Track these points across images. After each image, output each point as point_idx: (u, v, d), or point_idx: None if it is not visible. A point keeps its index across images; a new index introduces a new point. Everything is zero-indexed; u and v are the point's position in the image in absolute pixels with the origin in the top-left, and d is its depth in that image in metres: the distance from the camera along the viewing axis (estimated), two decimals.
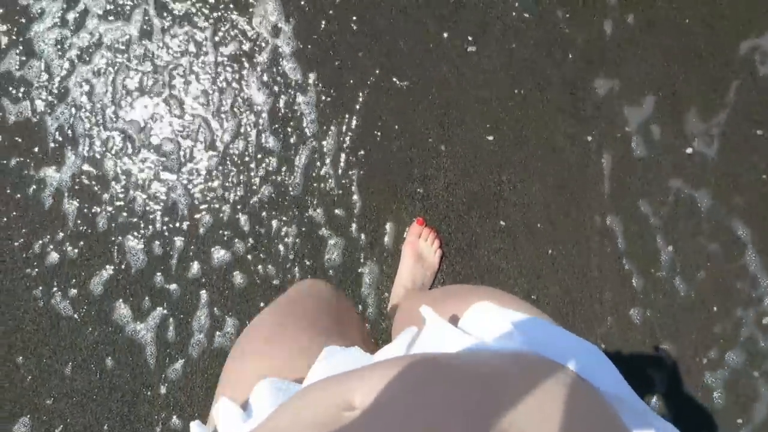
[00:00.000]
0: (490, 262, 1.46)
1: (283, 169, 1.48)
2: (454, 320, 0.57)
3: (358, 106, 1.48)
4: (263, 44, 1.50)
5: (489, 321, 0.53)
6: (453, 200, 1.47)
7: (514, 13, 1.49)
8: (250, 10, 1.49)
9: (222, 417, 0.54)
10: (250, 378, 0.59)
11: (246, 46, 1.49)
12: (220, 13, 1.50)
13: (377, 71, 1.48)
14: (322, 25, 1.49)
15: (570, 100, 1.47)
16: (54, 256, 1.46)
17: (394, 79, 1.48)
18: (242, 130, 1.49)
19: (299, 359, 0.63)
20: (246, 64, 1.49)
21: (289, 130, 1.49)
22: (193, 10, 1.50)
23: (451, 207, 1.47)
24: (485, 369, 0.41)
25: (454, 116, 1.48)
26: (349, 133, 1.48)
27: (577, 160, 1.47)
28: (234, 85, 1.49)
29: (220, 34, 1.50)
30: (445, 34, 1.49)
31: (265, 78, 1.49)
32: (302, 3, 1.49)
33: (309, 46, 1.49)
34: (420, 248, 1.43)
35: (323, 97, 1.48)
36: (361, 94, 1.48)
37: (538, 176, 1.47)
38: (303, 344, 0.67)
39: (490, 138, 1.48)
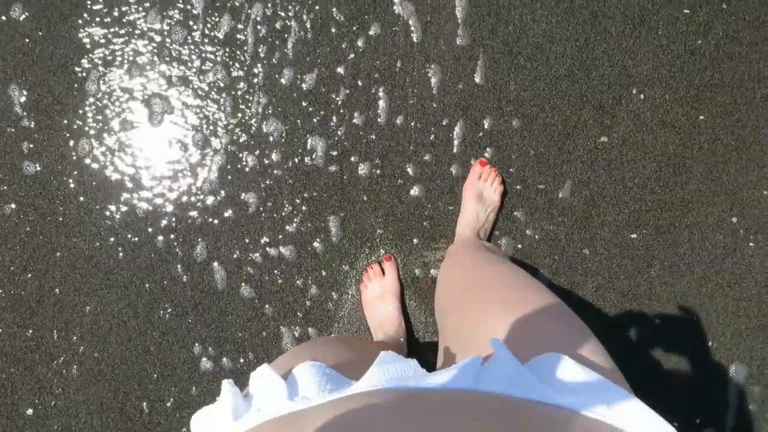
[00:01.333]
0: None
1: None
2: (516, 346, 0.54)
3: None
4: None
5: (563, 374, 0.50)
6: (603, 303, 1.47)
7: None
8: None
9: (262, 386, 0.52)
10: (294, 357, 0.57)
11: None
12: None
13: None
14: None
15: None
16: None
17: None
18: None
19: (349, 354, 0.63)
20: None
21: None
22: None
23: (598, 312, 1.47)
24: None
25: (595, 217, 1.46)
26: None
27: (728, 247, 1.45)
28: None
29: None
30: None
31: None
32: None
33: None
34: (480, 188, 1.43)
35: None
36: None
37: (687, 268, 1.45)
38: (352, 347, 0.67)
39: (634, 236, 1.46)
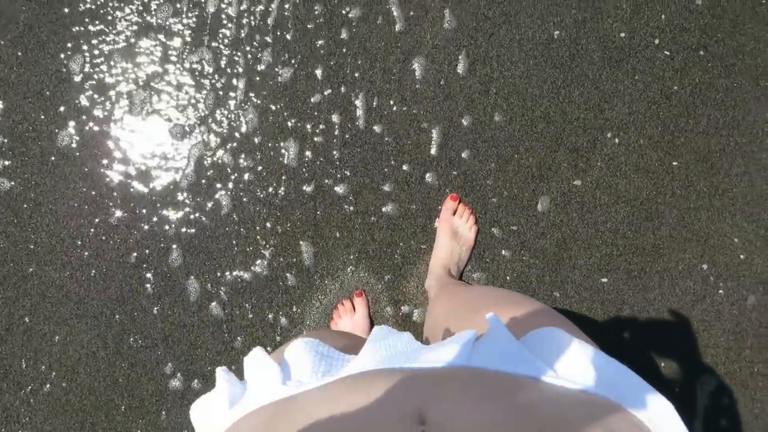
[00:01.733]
0: None
1: None
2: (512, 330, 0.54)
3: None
4: None
5: (558, 349, 0.50)
6: None
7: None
8: None
9: (255, 372, 0.52)
10: (288, 344, 0.57)
11: None
12: None
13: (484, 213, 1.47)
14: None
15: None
16: None
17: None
18: None
19: (342, 340, 0.63)
20: None
21: None
22: None
23: None
24: (553, 410, 0.40)
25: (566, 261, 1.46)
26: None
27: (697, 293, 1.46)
28: None
29: None
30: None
31: None
32: None
33: None
34: (455, 225, 1.42)
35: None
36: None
37: (657, 313, 1.46)
38: (345, 336, 0.68)
39: (605, 280, 1.46)
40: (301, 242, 1.47)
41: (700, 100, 1.45)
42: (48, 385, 1.48)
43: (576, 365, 0.48)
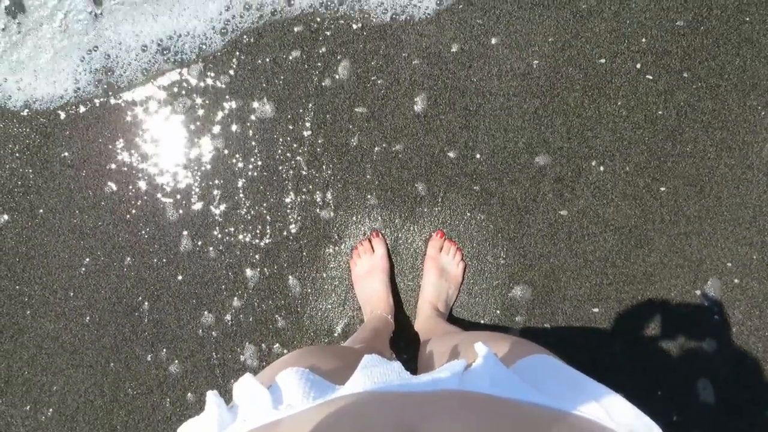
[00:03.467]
0: None
1: None
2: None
3: None
4: None
5: (547, 374, 0.52)
6: None
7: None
8: None
9: (245, 396, 0.52)
10: (278, 368, 0.57)
11: None
12: None
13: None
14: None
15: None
16: None
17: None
18: None
19: (333, 362, 0.63)
20: None
21: None
22: None
23: None
24: (541, 426, 0.42)
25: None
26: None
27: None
28: None
29: None
30: None
31: None
32: None
33: None
34: (442, 262, 1.41)
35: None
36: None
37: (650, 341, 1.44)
38: (337, 356, 0.68)
39: (596, 310, 1.44)
40: (289, 275, 1.48)
41: (686, 124, 1.42)
42: None
43: (561, 388, 0.50)
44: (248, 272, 1.48)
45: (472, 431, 0.40)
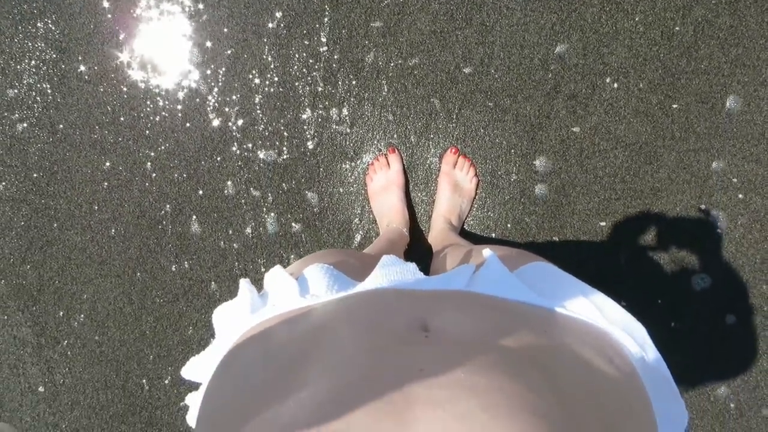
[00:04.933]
0: None
1: None
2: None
3: None
4: None
5: (544, 279, 0.58)
6: None
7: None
8: None
9: (275, 285, 0.57)
10: (305, 263, 0.63)
11: None
12: None
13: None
14: None
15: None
16: None
17: None
18: None
19: (354, 262, 0.69)
20: None
21: None
22: None
23: None
24: (541, 321, 0.48)
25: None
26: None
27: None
28: None
29: None
30: None
31: None
32: None
33: None
34: (456, 177, 1.45)
35: None
36: None
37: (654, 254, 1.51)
38: (357, 258, 0.75)
39: (603, 224, 1.50)
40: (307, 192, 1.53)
41: (702, 40, 1.42)
42: (82, 339, 1.60)
43: (559, 291, 0.55)
44: (267, 187, 1.52)
45: (476, 324, 0.45)
